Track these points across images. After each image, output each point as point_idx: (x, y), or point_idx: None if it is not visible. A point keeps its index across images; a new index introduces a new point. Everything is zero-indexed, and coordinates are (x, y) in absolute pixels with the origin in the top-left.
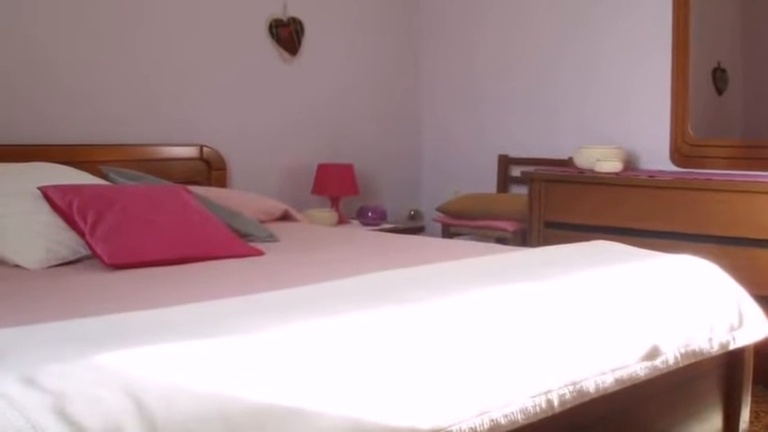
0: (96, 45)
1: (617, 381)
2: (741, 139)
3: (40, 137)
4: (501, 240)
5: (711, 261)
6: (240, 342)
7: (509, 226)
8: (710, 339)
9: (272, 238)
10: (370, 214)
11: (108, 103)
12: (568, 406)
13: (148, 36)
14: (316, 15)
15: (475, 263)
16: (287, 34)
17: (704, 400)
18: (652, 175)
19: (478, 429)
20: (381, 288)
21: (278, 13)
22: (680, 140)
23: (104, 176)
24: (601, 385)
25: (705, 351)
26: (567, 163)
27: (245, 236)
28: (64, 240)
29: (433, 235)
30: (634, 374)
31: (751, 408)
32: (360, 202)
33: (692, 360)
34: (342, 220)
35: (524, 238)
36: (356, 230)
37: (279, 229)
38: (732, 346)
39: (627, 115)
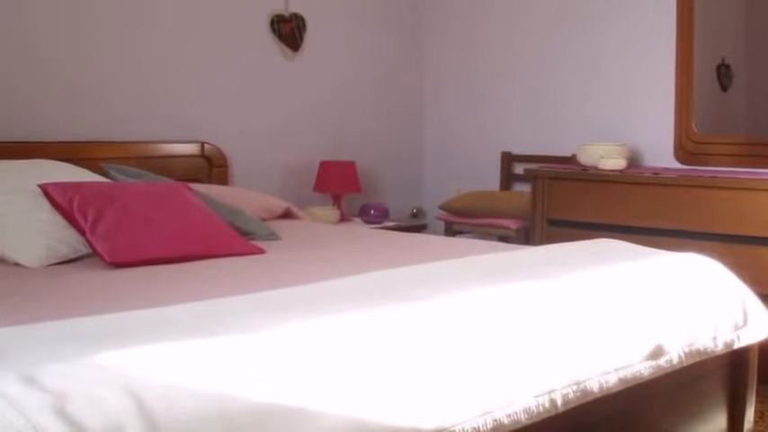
0: (97, 41)
1: (621, 380)
2: (746, 136)
3: (40, 134)
4: (504, 238)
5: (715, 259)
6: (242, 341)
7: (512, 224)
8: (715, 338)
9: (273, 236)
10: (372, 212)
11: (108, 99)
12: (572, 406)
13: (149, 32)
14: (318, 11)
15: (477, 261)
16: (289, 30)
17: (708, 399)
18: (656, 172)
19: (481, 429)
20: (384, 287)
21: (280, 8)
22: (684, 137)
23: (105, 174)
24: (604, 385)
25: (709, 350)
26: (571, 160)
27: (246, 234)
28: (64, 238)
29: (435, 233)
30: (638, 374)
31: (756, 407)
32: (362, 199)
33: (697, 359)
34: (344, 218)
35: (527, 236)
36: (358, 228)
37: (280, 226)
38: (737, 345)
39: (631, 112)
